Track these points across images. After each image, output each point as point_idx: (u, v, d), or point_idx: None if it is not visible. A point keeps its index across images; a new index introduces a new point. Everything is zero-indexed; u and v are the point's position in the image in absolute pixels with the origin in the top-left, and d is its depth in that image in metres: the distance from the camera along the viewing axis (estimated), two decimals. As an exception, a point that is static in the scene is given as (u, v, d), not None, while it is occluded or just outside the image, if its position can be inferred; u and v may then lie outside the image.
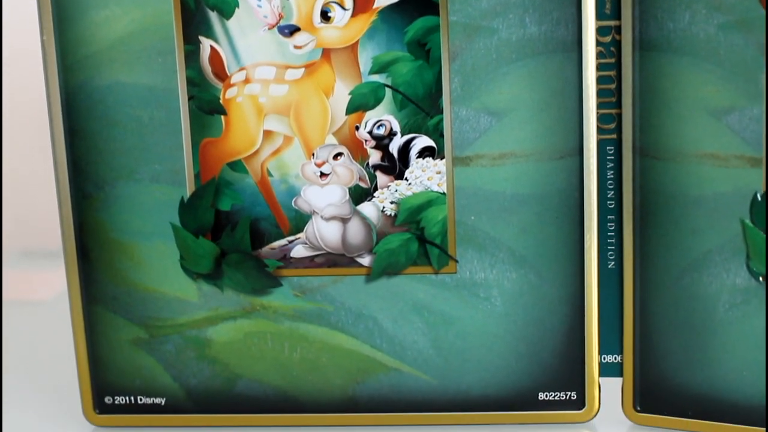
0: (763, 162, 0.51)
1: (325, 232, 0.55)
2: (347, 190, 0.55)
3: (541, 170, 0.54)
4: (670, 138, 0.53)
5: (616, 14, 0.53)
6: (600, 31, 0.53)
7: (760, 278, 0.52)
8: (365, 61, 0.54)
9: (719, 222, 0.52)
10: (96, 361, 0.58)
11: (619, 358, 0.57)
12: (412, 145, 0.54)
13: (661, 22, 0.52)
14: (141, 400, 0.58)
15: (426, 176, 0.54)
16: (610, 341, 0.57)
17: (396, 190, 0.55)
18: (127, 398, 0.58)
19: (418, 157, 0.54)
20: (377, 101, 0.54)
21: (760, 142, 0.51)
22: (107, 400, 0.58)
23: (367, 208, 0.55)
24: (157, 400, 0.58)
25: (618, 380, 0.57)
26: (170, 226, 0.56)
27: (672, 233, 0.53)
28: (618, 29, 0.53)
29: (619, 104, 0.53)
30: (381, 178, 0.55)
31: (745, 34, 0.50)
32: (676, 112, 0.52)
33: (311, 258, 0.56)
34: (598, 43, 0.53)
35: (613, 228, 0.56)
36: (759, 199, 0.52)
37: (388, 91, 0.54)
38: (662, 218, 0.53)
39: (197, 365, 0.57)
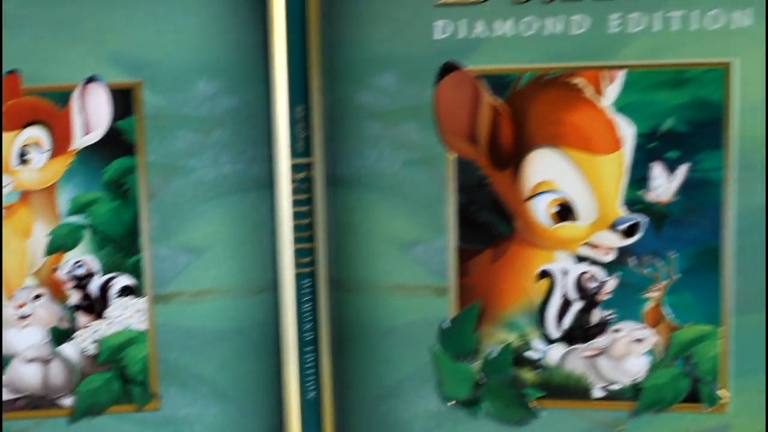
0: (448, 291, 0.53)
1: (26, 375, 0.55)
2: (47, 332, 0.55)
3: (240, 305, 0.55)
4: (362, 271, 0.54)
5: (309, 152, 0.54)
6: (293, 168, 0.55)
7: (450, 403, 0.54)
8: (64, 202, 0.54)
9: (410, 351, 0.54)
10: None
11: (321, 489, 0.58)
12: (111, 284, 0.55)
13: (350, 160, 0.54)
14: None
15: (127, 315, 0.55)
16: (313, 472, 0.58)
17: (97, 330, 0.55)
18: None
19: (118, 296, 0.55)
20: (76, 242, 0.54)
21: (445, 272, 0.53)
22: None
23: (67, 349, 0.55)
24: None
25: None
26: None
27: (367, 363, 0.55)
28: (310, 166, 0.55)
29: (313, 238, 0.55)
30: (82, 318, 0.55)
31: (428, 170, 0.53)
32: (366, 245, 0.54)
33: (12, 401, 0.55)
34: (292, 180, 0.54)
35: (312, 359, 0.57)
36: (446, 327, 0.54)
37: (88, 231, 0.54)
38: (357, 348, 0.55)
39: None
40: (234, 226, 0.54)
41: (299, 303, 0.56)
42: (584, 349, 0.54)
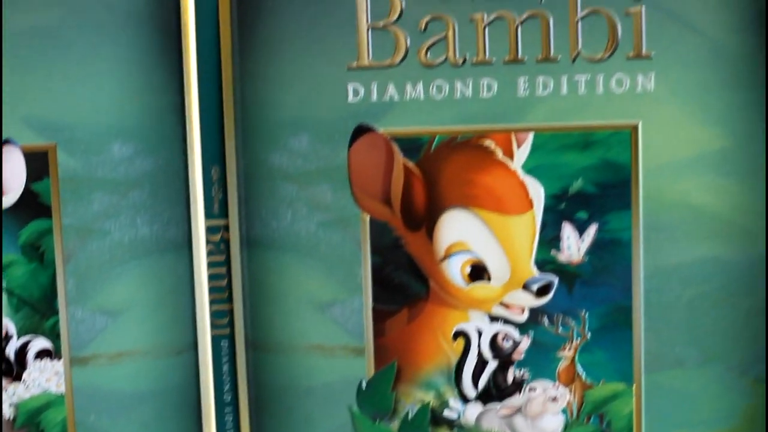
0: (365, 351, 0.54)
1: (-57, 439, 0.55)
2: (-36, 396, 0.54)
3: (159, 367, 0.55)
4: (280, 331, 0.55)
5: (225, 213, 0.55)
6: (210, 230, 0.55)
7: (368, 464, 0.54)
8: (-19, 265, 0.54)
9: (329, 410, 0.55)
10: None
11: None
12: (29, 347, 0.54)
13: (265, 221, 0.54)
14: None
15: (44, 378, 0.55)
16: None
17: (14, 393, 0.55)
18: None
19: (35, 359, 0.55)
20: (-8, 305, 0.54)
21: (362, 332, 0.53)
22: None
23: (-15, 413, 0.55)
24: None
25: None
26: None
27: (286, 423, 0.55)
28: (227, 228, 0.55)
29: (231, 300, 0.55)
30: (-1, 381, 0.55)
31: (342, 230, 0.53)
32: (283, 306, 0.54)
33: (-70, 466, 0.55)
34: (209, 242, 0.55)
35: (231, 420, 0.57)
36: (363, 387, 0.54)
37: (4, 294, 0.54)
38: (276, 409, 0.55)
39: None
40: (151, 287, 0.54)
41: (218, 364, 0.56)
42: (500, 408, 0.54)
